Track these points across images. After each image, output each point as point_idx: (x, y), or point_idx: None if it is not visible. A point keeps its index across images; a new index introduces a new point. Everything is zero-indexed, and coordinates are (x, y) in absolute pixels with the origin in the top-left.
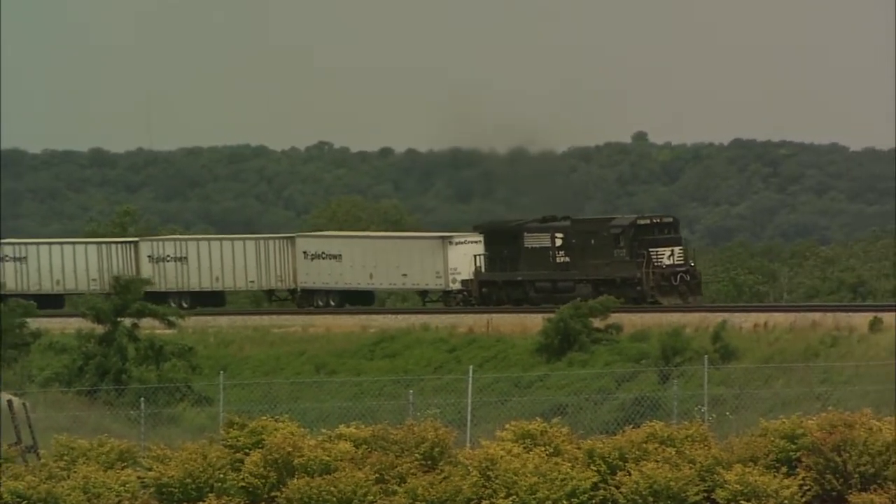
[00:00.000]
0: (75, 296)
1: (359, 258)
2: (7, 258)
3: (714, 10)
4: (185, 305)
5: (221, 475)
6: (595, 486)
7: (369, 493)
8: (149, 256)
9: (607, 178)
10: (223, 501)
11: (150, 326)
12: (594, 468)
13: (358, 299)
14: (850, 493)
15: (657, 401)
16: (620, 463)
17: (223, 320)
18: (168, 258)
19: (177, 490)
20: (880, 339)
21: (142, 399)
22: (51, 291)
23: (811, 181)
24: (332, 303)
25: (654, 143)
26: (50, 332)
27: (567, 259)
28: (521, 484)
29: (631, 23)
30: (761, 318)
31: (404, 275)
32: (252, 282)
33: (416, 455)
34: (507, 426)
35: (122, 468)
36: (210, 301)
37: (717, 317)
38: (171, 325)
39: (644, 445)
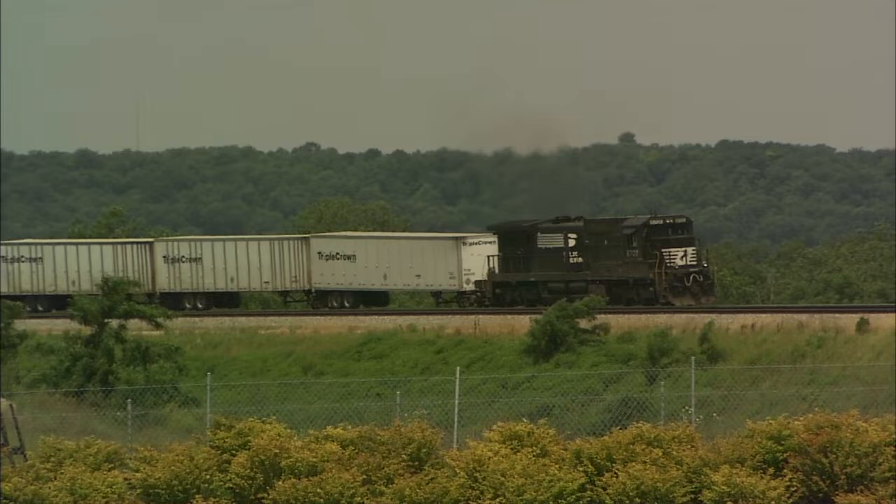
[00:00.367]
0: (90, 296)
1: (373, 259)
2: (23, 259)
3: (700, 11)
4: (199, 306)
5: (208, 476)
6: (582, 488)
7: (356, 495)
8: (164, 257)
9: (594, 180)
10: (210, 503)
11: (137, 328)
12: (581, 469)
13: (372, 300)
14: (837, 493)
15: (644, 402)
16: (608, 464)
17: (210, 321)
18: (183, 259)
19: (163, 491)
20: (867, 341)
21: (129, 400)
22: (66, 292)
23: (798, 182)
24: (347, 304)
25: (640, 145)
26: (37, 334)
27: (580, 260)
28: (508, 485)
29: (617, 24)
30: (748, 319)
31: (418, 276)
32: (267, 283)
33: (404, 456)
34: (494, 427)
35: (109, 469)
36: (225, 302)
37: (705, 318)
38: (158, 326)
39: (631, 446)
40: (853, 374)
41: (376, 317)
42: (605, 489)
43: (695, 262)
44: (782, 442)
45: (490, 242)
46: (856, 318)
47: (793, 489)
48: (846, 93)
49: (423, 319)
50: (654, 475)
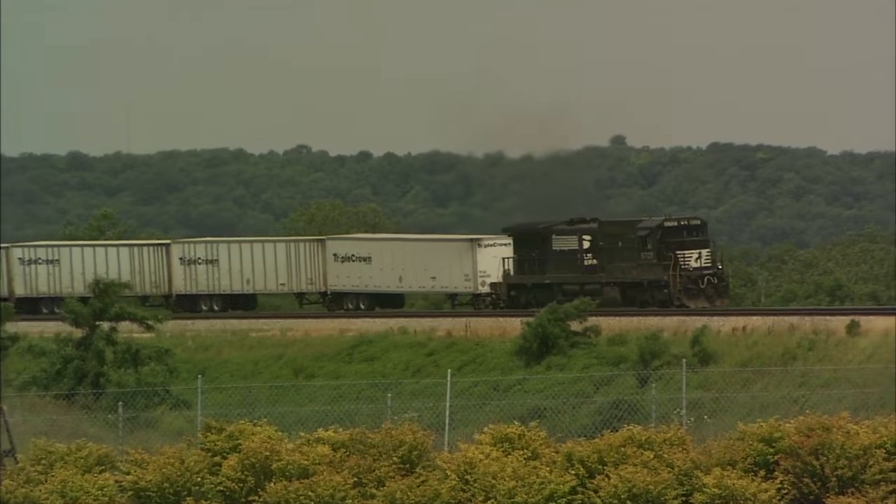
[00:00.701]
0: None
1: (388, 260)
2: (40, 261)
3: (690, 14)
4: (216, 308)
5: (199, 479)
6: (573, 490)
7: (347, 497)
8: (180, 259)
9: (586, 182)
10: None
11: (129, 330)
12: (572, 472)
13: (388, 302)
14: (828, 496)
15: (635, 404)
16: (599, 466)
17: (201, 324)
18: (199, 261)
19: (154, 494)
20: (858, 343)
21: (120, 403)
22: (83, 294)
23: (789, 185)
24: (362, 306)
25: (632, 147)
26: (28, 336)
27: (595, 262)
28: (499, 488)
29: (608, 26)
30: (739, 321)
31: (433, 277)
32: (283, 284)
33: (395, 458)
34: (485, 430)
35: (100, 472)
36: (241, 304)
37: (695, 320)
38: (149, 328)
39: (622, 449)
40: (844, 377)
41: (367, 319)
42: (596, 492)
43: (709, 264)
44: (773, 444)
45: (505, 244)
46: (846, 320)
47: (784, 491)
48: (837, 95)
49: (414, 322)
50: (645, 478)
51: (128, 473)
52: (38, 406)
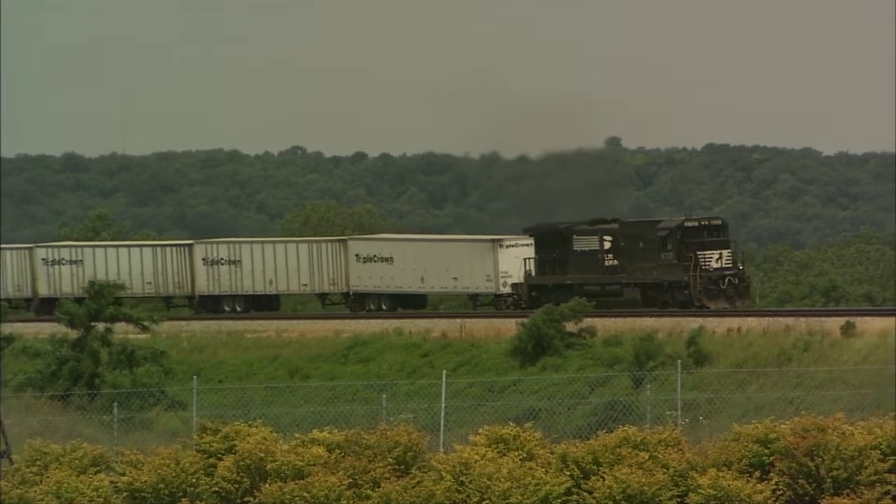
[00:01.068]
0: (129, 299)
1: (410, 261)
2: (63, 261)
3: (686, 15)
4: (238, 309)
5: (194, 480)
6: (568, 491)
7: (342, 498)
8: (203, 259)
9: (581, 183)
10: None
11: (124, 331)
12: (567, 473)
13: (410, 303)
14: (823, 497)
15: (630, 405)
16: (594, 467)
17: (197, 325)
18: (222, 261)
19: (150, 495)
20: (853, 344)
21: (115, 404)
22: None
23: (784, 186)
24: (384, 307)
25: (627, 148)
26: (23, 337)
27: (615, 262)
28: (494, 489)
29: (606, 26)
30: (734, 322)
31: (455, 278)
32: (305, 285)
33: (390, 459)
34: (480, 431)
35: (96, 473)
36: (264, 305)
37: (690, 321)
38: (144, 329)
39: (617, 450)
40: (839, 378)
41: (362, 320)
42: (591, 493)
43: (730, 265)
44: (768, 445)
45: (527, 245)
46: (842, 321)
47: (779, 492)
48: (833, 96)
49: (409, 323)
50: (640, 479)
51: (123, 474)
52: (33, 407)
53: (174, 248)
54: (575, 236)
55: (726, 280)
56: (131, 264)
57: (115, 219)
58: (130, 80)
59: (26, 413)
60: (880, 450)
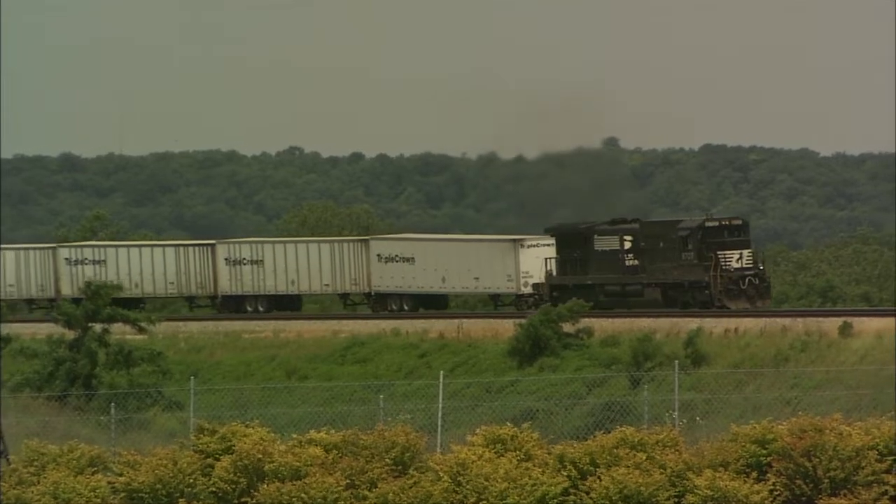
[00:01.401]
0: (153, 299)
1: (431, 261)
2: (87, 261)
3: (684, 15)
4: (261, 309)
5: (192, 480)
6: (565, 492)
7: (340, 499)
8: (225, 259)
9: (578, 185)
10: None
11: (121, 332)
12: (565, 473)
13: (431, 303)
14: (820, 497)
15: (628, 406)
16: (591, 468)
17: (194, 326)
18: (244, 261)
19: (147, 495)
20: (850, 344)
21: (112, 404)
22: (129, 295)
23: (781, 186)
24: (406, 307)
25: (624, 149)
26: (21, 338)
27: (636, 262)
28: (491, 489)
29: (601, 27)
30: (732, 323)
31: (476, 278)
32: (327, 285)
33: (387, 460)
34: (477, 431)
35: (93, 474)
36: (286, 305)
37: (688, 322)
38: (141, 330)
39: (615, 450)
40: (837, 378)
41: (360, 321)
42: (588, 493)
43: (751, 265)
44: (766, 446)
45: (548, 244)
46: (839, 321)
47: (776, 493)
48: (830, 96)
49: (406, 323)
50: (637, 479)
51: (120, 475)
52: (30, 407)
53: (197, 248)
54: (596, 236)
55: (747, 280)
56: (154, 264)
57: (112, 219)
58: (128, 80)
59: (23, 413)
60: (878, 450)
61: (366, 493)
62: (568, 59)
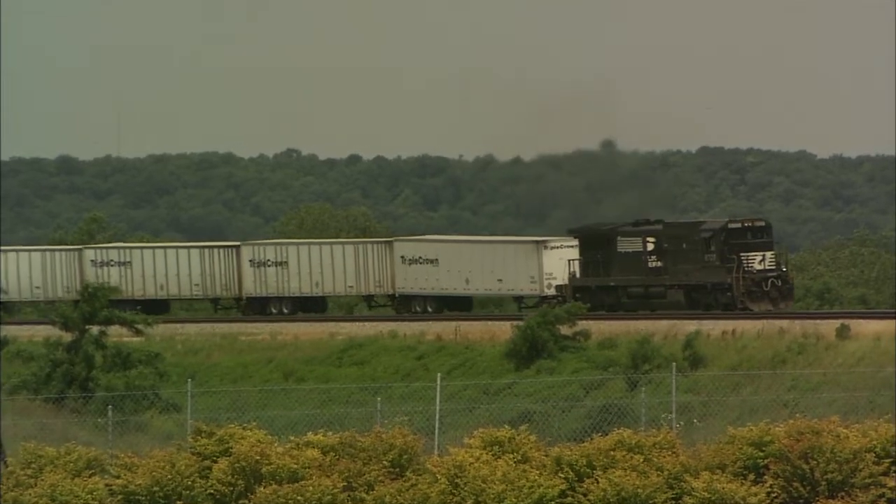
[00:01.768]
0: (178, 301)
1: (455, 263)
2: (112, 262)
3: (682, 16)
4: (285, 311)
5: (189, 483)
6: (563, 494)
7: (337, 501)
8: (250, 261)
9: (575, 187)
10: None
11: (119, 334)
12: (562, 475)
13: (455, 305)
14: (818, 500)
15: (625, 408)
16: (588, 470)
17: (191, 328)
18: (269, 263)
19: (144, 498)
20: (847, 347)
21: (109, 406)
22: (154, 297)
23: (779, 188)
24: (430, 309)
25: (622, 151)
26: (18, 340)
27: (659, 264)
28: (488, 491)
29: (599, 29)
30: (729, 325)
31: (499, 280)
32: (351, 287)
33: (384, 462)
34: (475, 433)
35: (90, 476)
36: (311, 306)
37: (686, 324)
38: (138, 332)
39: (612, 453)
40: (834, 380)
41: (357, 323)
42: (585, 495)
43: (773, 267)
44: (763, 448)
45: (571, 246)
46: (836, 324)
47: (773, 495)
48: (828, 99)
49: (403, 325)
50: (634, 481)
51: (118, 477)
52: (27, 410)
53: (222, 250)
54: (619, 238)
55: (769, 282)
56: (179, 266)
57: (109, 221)
58: (125, 82)
59: (21, 416)
60: (875, 452)
61: (363, 495)
62: (566, 60)
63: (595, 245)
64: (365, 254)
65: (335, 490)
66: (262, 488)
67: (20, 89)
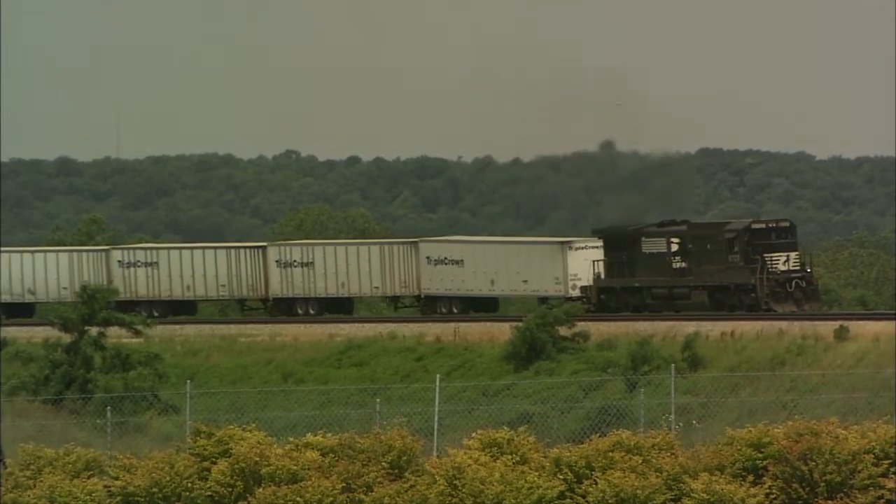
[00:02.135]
0: (205, 302)
1: (480, 263)
2: (139, 263)
3: (680, 16)
4: (311, 312)
5: (188, 484)
6: (561, 495)
7: (336, 502)
8: (276, 261)
9: (574, 188)
10: None
11: (117, 335)
12: (561, 477)
13: (481, 306)
14: (817, 501)
15: (624, 409)
16: (587, 471)
17: (190, 329)
18: (295, 263)
19: (143, 499)
20: (846, 348)
21: (108, 408)
22: (181, 298)
23: (778, 190)
24: (455, 310)
25: (620, 152)
26: (17, 341)
27: (683, 265)
28: (487, 493)
29: (598, 29)
30: (728, 326)
31: (524, 281)
32: (377, 288)
33: (383, 464)
34: (474, 435)
35: (89, 477)
36: (338, 308)
37: (685, 325)
38: (137, 333)
39: (610, 454)
40: (833, 382)
41: (356, 324)
42: (584, 497)
43: (798, 268)
44: (762, 449)
45: (596, 247)
46: (835, 325)
47: (772, 496)
48: (827, 100)
49: (403, 327)
50: (633, 482)
51: (116, 478)
52: (26, 411)
53: (248, 251)
54: (643, 238)
55: (794, 283)
56: (206, 266)
57: (108, 223)
58: (124, 83)
59: (20, 417)
60: (874, 454)
61: (362, 496)
62: (565, 61)
63: (619, 245)
64: (391, 254)
65: (334, 491)
66: (261, 489)
67: (20, 89)
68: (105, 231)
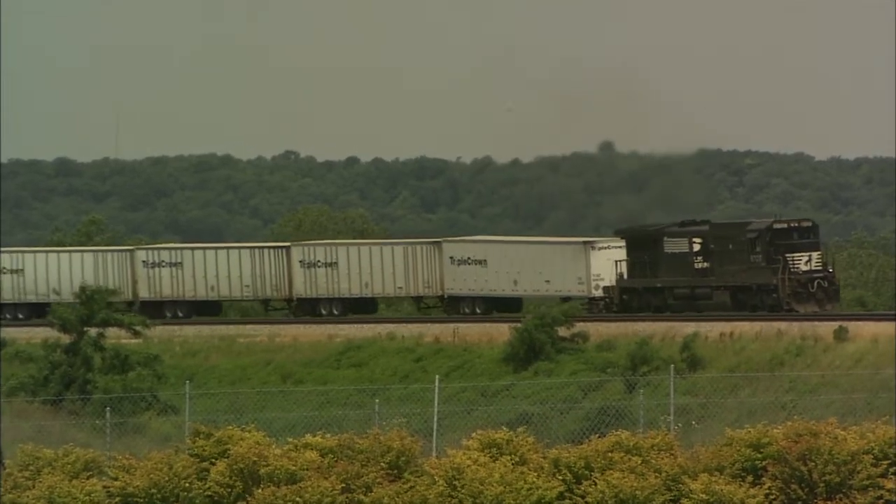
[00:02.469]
0: (228, 302)
1: (504, 264)
2: (163, 263)
3: (679, 17)
4: (335, 313)
5: (187, 484)
6: (561, 496)
7: (335, 503)
8: (300, 262)
9: (572, 188)
10: None
11: (117, 336)
12: (560, 477)
13: (504, 307)
14: (816, 501)
15: (623, 410)
16: (586, 472)
17: (189, 330)
18: (318, 263)
19: (142, 500)
20: (845, 349)
21: (107, 408)
22: (206, 298)
23: (776, 190)
24: (478, 310)
25: (620, 153)
26: (16, 342)
27: (705, 265)
28: (486, 493)
29: (596, 30)
30: (727, 327)
31: (547, 281)
32: (400, 288)
33: (382, 464)
34: (473, 435)
35: (88, 478)
36: (361, 308)
37: (684, 326)
38: (136, 334)
39: (610, 454)
40: (832, 382)
41: (355, 325)
42: (583, 497)
43: (820, 268)
44: (761, 450)
45: (619, 247)
46: (834, 325)
47: (771, 497)
48: (826, 100)
49: (402, 328)
50: (632, 483)
51: (115, 479)
52: (26, 412)
53: (272, 251)
54: (665, 238)
55: (815, 283)
56: (230, 267)
57: (107, 224)
58: (123, 84)
59: (19, 418)
60: (873, 454)
61: (361, 497)
62: (564, 62)
63: (642, 246)
64: (414, 255)
65: (333, 492)
66: (259, 490)
67: (20, 89)
68: (104, 232)
